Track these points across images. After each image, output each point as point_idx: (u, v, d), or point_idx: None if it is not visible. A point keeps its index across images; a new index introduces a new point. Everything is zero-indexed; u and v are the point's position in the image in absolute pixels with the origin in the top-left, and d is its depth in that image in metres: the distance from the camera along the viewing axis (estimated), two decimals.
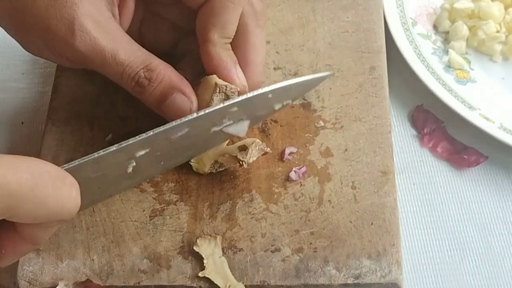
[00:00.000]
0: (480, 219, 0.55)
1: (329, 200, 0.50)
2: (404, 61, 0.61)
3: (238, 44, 0.49)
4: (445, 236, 0.55)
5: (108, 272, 0.48)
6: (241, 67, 0.49)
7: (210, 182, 0.51)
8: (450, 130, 0.60)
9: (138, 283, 0.47)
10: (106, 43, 0.47)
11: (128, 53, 0.47)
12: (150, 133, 0.44)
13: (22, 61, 0.57)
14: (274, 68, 0.56)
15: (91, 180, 0.43)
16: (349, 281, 0.46)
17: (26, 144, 0.59)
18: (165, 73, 0.48)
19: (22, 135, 0.60)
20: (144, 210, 0.50)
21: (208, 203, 0.50)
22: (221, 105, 0.46)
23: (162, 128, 0.45)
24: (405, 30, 0.63)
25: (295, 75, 0.56)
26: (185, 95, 0.48)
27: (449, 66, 0.62)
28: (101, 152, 0.43)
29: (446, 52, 0.62)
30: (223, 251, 0.48)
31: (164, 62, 0.48)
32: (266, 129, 0.53)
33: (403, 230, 0.54)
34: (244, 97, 0.47)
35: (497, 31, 0.63)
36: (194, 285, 0.47)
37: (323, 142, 0.52)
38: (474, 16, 0.64)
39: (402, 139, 0.60)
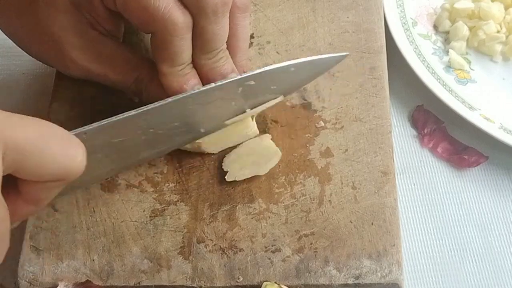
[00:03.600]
0: (481, 219, 0.56)
1: (329, 200, 0.50)
2: (404, 62, 0.61)
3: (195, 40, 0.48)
4: (445, 236, 0.55)
5: (108, 272, 0.48)
6: (231, 53, 0.49)
7: (211, 182, 0.51)
8: (451, 130, 0.60)
9: (139, 283, 0.47)
10: (95, 68, 0.51)
11: (118, 71, 0.51)
12: (169, 100, 0.46)
13: (22, 61, 0.57)
14: None
15: (105, 147, 0.45)
16: (350, 281, 0.46)
17: None
18: (152, 83, 0.50)
19: None
20: (144, 210, 0.50)
21: (208, 203, 0.50)
22: (239, 76, 0.48)
23: (179, 96, 0.46)
24: (405, 30, 0.63)
25: None
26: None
27: (449, 67, 0.62)
28: (118, 117, 0.44)
29: (447, 52, 0.62)
30: (223, 251, 0.48)
31: (155, 68, 0.49)
32: (266, 129, 0.53)
33: (403, 230, 0.54)
34: (262, 70, 0.48)
35: (498, 31, 0.63)
36: (195, 285, 0.47)
37: (323, 142, 0.52)
38: (474, 16, 0.64)
39: (403, 139, 0.60)
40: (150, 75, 0.51)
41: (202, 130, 0.50)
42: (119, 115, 0.45)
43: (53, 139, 0.37)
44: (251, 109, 0.50)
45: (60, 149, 0.37)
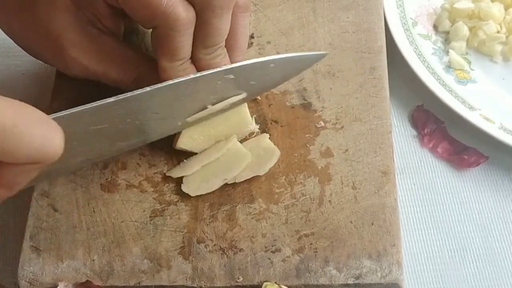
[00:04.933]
0: (481, 220, 0.56)
1: (329, 201, 0.50)
2: (404, 62, 0.61)
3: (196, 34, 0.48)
4: (445, 236, 0.55)
5: (108, 272, 0.48)
6: (229, 51, 0.49)
7: None
8: (451, 130, 0.60)
9: (139, 283, 0.47)
10: (96, 67, 0.51)
11: (118, 70, 0.51)
12: (147, 89, 0.45)
13: (22, 61, 0.57)
14: None
15: (89, 132, 0.45)
16: (350, 282, 0.46)
17: None
18: (153, 81, 0.49)
19: None
20: (144, 211, 0.50)
21: (208, 203, 0.50)
22: (219, 69, 0.47)
23: (160, 85, 0.46)
24: (406, 31, 0.63)
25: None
26: None
27: (449, 67, 0.62)
28: (97, 103, 0.44)
29: (447, 52, 0.62)
30: (223, 251, 0.48)
31: (155, 66, 0.49)
32: (266, 129, 0.53)
33: (403, 231, 0.54)
34: (243, 63, 0.47)
35: (498, 32, 0.63)
36: (195, 285, 0.47)
37: (323, 142, 0.52)
38: (474, 16, 0.64)
39: (403, 140, 0.60)
40: (151, 74, 0.50)
41: (179, 123, 0.49)
42: (98, 101, 0.44)
43: (32, 121, 0.36)
44: (212, 105, 0.49)
45: (39, 131, 0.36)
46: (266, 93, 0.54)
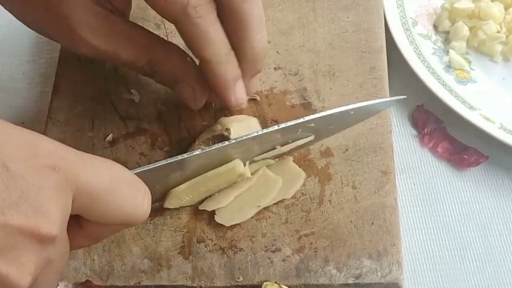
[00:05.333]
0: (481, 219, 0.55)
1: (329, 200, 0.50)
2: (404, 61, 0.61)
3: (229, 26, 0.47)
4: (445, 236, 0.55)
5: (108, 272, 0.48)
6: (236, 47, 0.48)
7: None
8: (451, 130, 0.60)
9: (139, 283, 0.47)
10: (106, 47, 0.49)
11: (129, 51, 0.49)
12: (232, 141, 0.46)
13: (23, 61, 0.57)
14: (275, 68, 0.56)
15: (164, 181, 0.46)
16: (350, 281, 0.46)
17: None
18: (167, 64, 0.49)
19: None
20: None
21: None
22: (301, 120, 0.47)
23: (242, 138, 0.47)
24: (406, 30, 0.63)
25: (295, 75, 0.56)
26: (189, 84, 0.50)
27: (449, 66, 0.62)
28: (170, 160, 0.45)
29: (447, 52, 0.62)
30: (223, 251, 0.48)
31: (169, 49, 0.49)
32: None
33: (403, 230, 0.54)
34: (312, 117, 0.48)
35: (498, 32, 0.63)
36: (195, 285, 0.47)
37: (323, 142, 0.52)
38: (474, 16, 0.64)
39: (403, 139, 0.60)
40: (166, 57, 0.49)
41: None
42: (170, 158, 0.45)
43: (122, 185, 0.37)
44: (281, 146, 0.49)
45: (128, 196, 0.37)
46: (266, 93, 0.55)
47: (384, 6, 0.62)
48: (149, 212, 0.39)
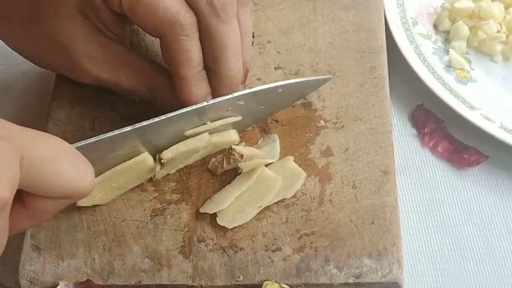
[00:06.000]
0: (481, 219, 0.56)
1: (330, 200, 0.50)
2: (404, 61, 0.61)
3: (205, 45, 0.48)
4: (445, 235, 0.55)
5: (109, 271, 0.48)
6: (212, 68, 0.49)
7: (211, 181, 0.51)
8: (451, 129, 0.60)
9: (139, 282, 0.47)
10: (108, 76, 0.51)
11: (130, 79, 0.51)
12: (163, 117, 0.47)
13: (23, 60, 0.57)
14: (275, 68, 0.56)
15: (105, 159, 0.46)
16: (350, 281, 0.46)
17: None
18: (167, 91, 0.50)
19: None
20: (145, 210, 0.50)
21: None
22: (229, 96, 0.49)
23: (174, 113, 0.47)
24: (406, 30, 0.63)
25: (296, 74, 0.56)
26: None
27: (449, 66, 0.62)
28: (115, 132, 0.45)
29: (447, 52, 0.62)
30: (224, 250, 0.48)
31: (169, 76, 0.49)
32: (267, 128, 0.53)
33: (403, 230, 0.54)
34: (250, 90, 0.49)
35: (498, 31, 0.63)
36: (195, 284, 0.47)
37: (323, 141, 0.52)
38: (474, 16, 0.64)
39: (403, 139, 0.60)
40: (165, 85, 0.50)
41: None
42: (115, 130, 0.45)
43: (65, 157, 0.38)
44: (211, 121, 0.50)
45: (70, 168, 0.38)
46: None
47: (384, 5, 0.62)
48: (93, 186, 0.39)
